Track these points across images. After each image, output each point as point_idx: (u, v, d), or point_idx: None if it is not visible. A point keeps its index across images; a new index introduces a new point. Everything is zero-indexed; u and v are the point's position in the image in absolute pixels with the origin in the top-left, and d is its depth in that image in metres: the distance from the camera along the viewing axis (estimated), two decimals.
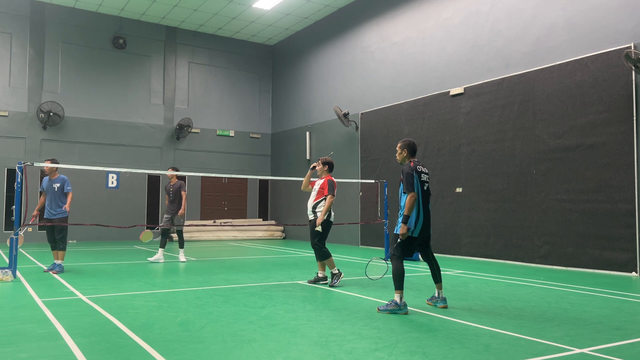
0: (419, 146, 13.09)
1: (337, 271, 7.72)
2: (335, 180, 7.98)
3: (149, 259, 11.06)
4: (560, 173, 10.29)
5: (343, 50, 16.96)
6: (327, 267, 7.90)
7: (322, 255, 7.73)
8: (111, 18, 17.88)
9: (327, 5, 16.70)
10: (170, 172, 11.09)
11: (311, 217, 7.85)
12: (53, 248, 9.15)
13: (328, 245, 8.20)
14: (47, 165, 8.91)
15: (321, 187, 7.89)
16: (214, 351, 4.12)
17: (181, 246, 11.37)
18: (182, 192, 10.98)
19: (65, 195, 9.07)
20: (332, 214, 7.91)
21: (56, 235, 9.04)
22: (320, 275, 7.88)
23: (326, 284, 7.75)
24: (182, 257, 11.09)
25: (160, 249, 10.96)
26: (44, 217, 9.12)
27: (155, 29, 18.69)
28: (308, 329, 4.89)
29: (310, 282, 7.94)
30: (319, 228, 7.65)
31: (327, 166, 8.09)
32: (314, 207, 7.83)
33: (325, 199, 7.78)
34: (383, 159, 14.75)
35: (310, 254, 13.05)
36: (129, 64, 18.32)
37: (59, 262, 9.01)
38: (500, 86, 11.61)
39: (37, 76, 16.76)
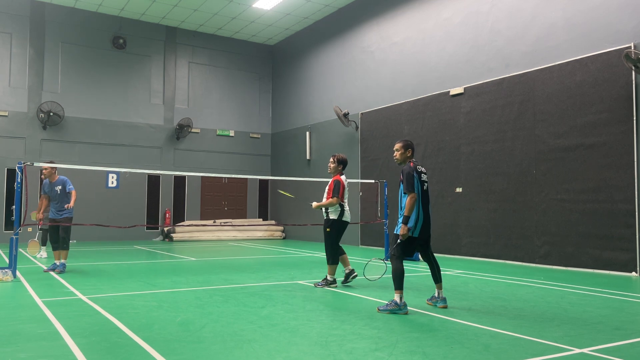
0: (418, 146, 13.11)
1: (332, 279, 7.48)
2: (344, 180, 7.48)
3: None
4: (560, 173, 10.29)
5: (343, 50, 16.95)
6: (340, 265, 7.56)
7: (329, 258, 7.48)
8: (111, 18, 17.88)
9: (327, 5, 16.70)
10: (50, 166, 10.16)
11: (325, 217, 7.58)
12: (55, 248, 9.15)
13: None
14: (46, 165, 8.89)
15: (329, 188, 7.46)
16: (214, 351, 4.12)
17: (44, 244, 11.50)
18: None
19: (69, 194, 9.04)
20: (346, 213, 7.49)
21: (61, 234, 9.03)
22: (346, 271, 7.58)
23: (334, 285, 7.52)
24: (45, 254, 11.33)
25: (44, 247, 11.39)
26: (49, 217, 9.13)
27: (155, 29, 18.69)
28: (308, 329, 4.88)
29: (343, 282, 7.63)
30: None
31: (341, 165, 7.59)
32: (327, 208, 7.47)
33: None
34: (383, 159, 14.74)
35: (310, 254, 13.06)
36: (129, 64, 18.32)
37: (61, 261, 9.01)
38: (500, 86, 11.61)
39: (37, 76, 16.75)
